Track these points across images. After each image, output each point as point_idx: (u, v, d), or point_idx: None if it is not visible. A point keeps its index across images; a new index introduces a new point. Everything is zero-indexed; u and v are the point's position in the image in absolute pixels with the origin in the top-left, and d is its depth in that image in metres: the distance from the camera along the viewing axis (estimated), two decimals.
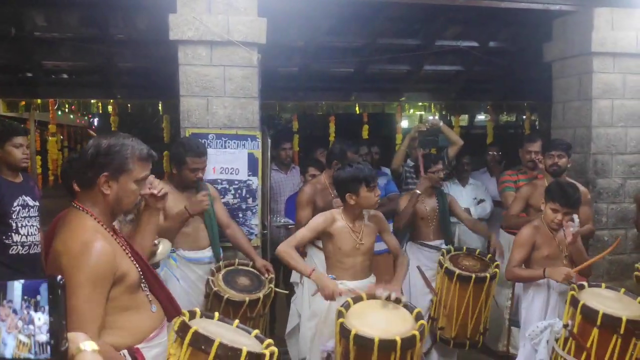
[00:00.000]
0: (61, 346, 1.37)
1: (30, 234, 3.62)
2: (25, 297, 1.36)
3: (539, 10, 4.89)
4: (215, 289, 3.39)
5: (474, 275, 3.68)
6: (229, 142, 4.05)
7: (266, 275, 3.65)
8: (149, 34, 5.31)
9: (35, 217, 3.67)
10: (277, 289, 3.70)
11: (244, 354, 2.21)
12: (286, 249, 3.17)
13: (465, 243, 4.77)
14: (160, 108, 6.25)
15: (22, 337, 1.35)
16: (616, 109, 4.89)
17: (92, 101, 6.20)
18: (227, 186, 4.08)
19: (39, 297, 1.36)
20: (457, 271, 3.72)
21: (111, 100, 6.19)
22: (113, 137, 1.96)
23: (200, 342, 2.20)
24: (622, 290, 3.27)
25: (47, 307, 1.34)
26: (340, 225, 3.25)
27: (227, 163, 4.10)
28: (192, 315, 2.35)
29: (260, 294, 3.44)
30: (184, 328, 2.17)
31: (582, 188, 4.32)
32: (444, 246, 4.29)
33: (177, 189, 3.59)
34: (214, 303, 3.39)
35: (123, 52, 5.64)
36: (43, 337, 1.35)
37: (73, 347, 1.45)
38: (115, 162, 1.91)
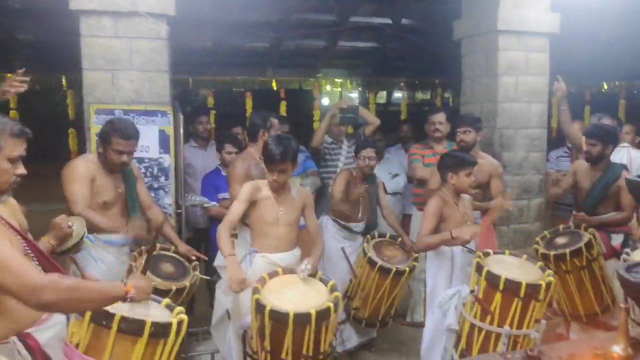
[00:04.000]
0: None
1: None
2: None
3: None
4: None
5: (394, 268, 3.87)
6: (137, 119, 3.86)
7: (193, 259, 3.57)
8: (50, 3, 4.97)
9: None
10: (200, 275, 3.59)
11: (148, 325, 2.18)
12: (220, 229, 3.18)
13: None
14: (64, 83, 5.89)
15: None
16: (520, 85, 5.12)
17: None
18: (137, 164, 3.90)
19: None
20: (379, 263, 3.89)
21: (9, 75, 5.77)
22: None
23: (101, 318, 2.16)
24: (524, 256, 3.48)
25: None
26: (265, 195, 3.28)
27: None
28: None
29: (187, 282, 3.34)
30: None
31: (494, 162, 4.49)
32: (359, 228, 4.37)
33: (104, 169, 3.40)
34: None
35: (23, 23, 5.30)
36: None
37: None
38: None
